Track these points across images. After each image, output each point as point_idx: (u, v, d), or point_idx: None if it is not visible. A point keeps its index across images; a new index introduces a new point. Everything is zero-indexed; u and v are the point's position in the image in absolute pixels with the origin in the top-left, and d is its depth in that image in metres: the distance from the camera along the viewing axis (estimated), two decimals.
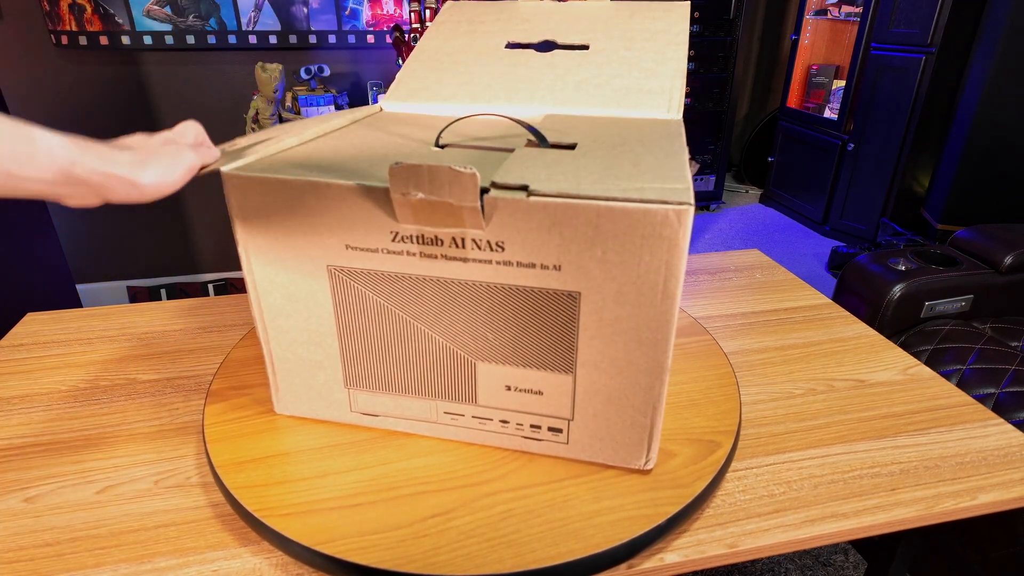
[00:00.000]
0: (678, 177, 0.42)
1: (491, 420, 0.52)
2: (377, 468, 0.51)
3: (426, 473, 0.51)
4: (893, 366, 0.70)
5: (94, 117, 2.01)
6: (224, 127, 2.12)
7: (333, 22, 2.08)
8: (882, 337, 0.75)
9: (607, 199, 0.40)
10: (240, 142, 0.51)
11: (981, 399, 1.01)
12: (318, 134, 0.55)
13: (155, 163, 0.40)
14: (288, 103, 1.94)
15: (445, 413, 0.53)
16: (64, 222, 2.10)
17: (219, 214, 2.22)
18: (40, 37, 1.90)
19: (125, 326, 0.78)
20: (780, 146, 2.96)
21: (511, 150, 0.51)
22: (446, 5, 0.74)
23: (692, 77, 2.79)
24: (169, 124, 2.07)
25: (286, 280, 0.49)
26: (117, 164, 0.38)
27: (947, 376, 1.07)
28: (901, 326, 1.23)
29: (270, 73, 1.74)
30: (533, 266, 0.44)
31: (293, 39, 2.07)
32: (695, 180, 2.89)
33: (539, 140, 0.50)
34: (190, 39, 1.98)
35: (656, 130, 0.53)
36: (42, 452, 0.57)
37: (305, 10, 2.04)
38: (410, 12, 1.79)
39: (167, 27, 1.95)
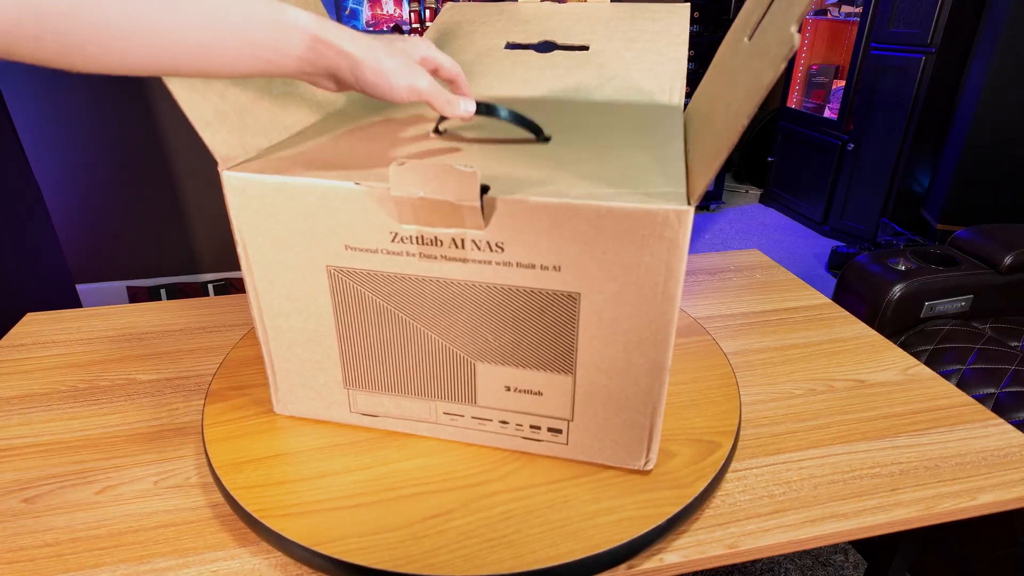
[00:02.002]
0: (673, 179, 0.42)
1: (491, 421, 0.52)
2: (377, 468, 0.51)
3: (425, 473, 0.51)
4: (893, 366, 0.70)
5: (94, 116, 2.01)
6: None
7: None
8: (882, 337, 0.75)
9: (608, 199, 0.40)
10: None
11: (981, 399, 1.01)
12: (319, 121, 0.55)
13: (396, 59, 0.40)
14: None
15: (445, 413, 0.53)
16: (64, 222, 2.10)
17: (219, 214, 2.22)
18: None
19: (125, 326, 0.78)
20: (780, 146, 2.96)
21: (514, 140, 0.51)
22: (446, 6, 0.74)
23: (692, 77, 2.79)
24: (170, 124, 2.07)
25: (286, 280, 0.49)
26: (360, 46, 0.38)
27: (947, 376, 1.07)
28: (901, 326, 1.23)
29: None
30: (533, 267, 0.44)
31: None
32: None
33: (536, 135, 0.50)
34: None
35: (655, 121, 0.53)
36: (42, 452, 0.57)
37: None
38: (410, 12, 1.79)
39: None
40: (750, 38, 0.43)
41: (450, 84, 0.49)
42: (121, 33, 0.31)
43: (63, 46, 0.30)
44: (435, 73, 0.47)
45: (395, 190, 0.42)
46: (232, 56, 0.35)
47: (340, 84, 0.40)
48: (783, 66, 0.32)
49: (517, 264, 0.44)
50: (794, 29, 0.31)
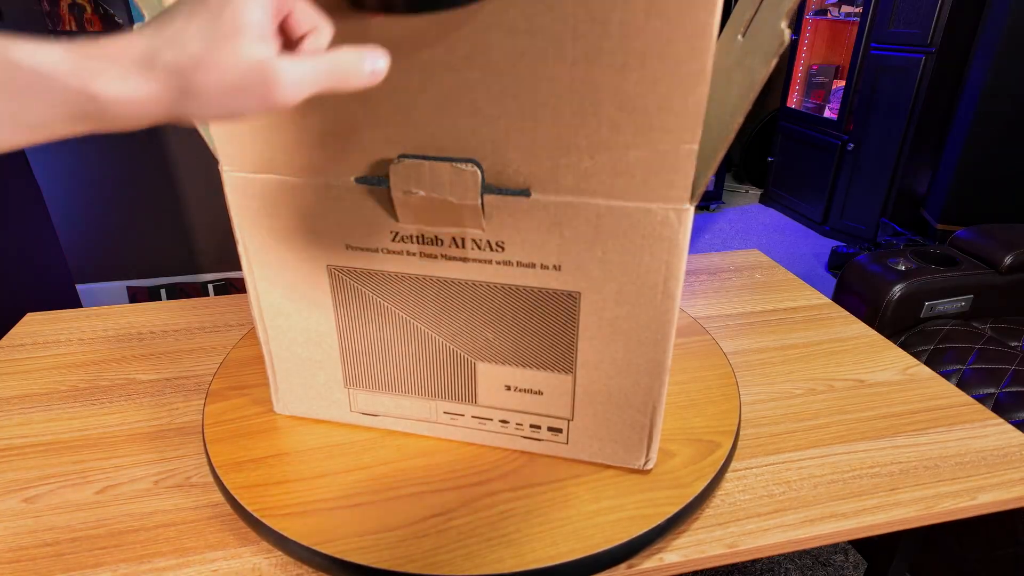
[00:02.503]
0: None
1: (491, 420, 0.52)
2: (377, 468, 0.51)
3: (426, 473, 0.51)
4: (893, 366, 0.70)
5: None
6: None
7: None
8: (882, 337, 0.75)
9: (607, 198, 0.40)
10: None
11: (981, 399, 1.01)
12: None
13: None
14: None
15: (445, 413, 0.53)
16: (64, 222, 2.10)
17: (219, 214, 2.22)
18: (40, 37, 1.90)
19: (125, 326, 0.78)
20: (780, 146, 2.96)
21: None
22: None
23: None
24: (169, 126, 2.07)
25: (286, 280, 0.49)
26: (177, 81, 0.23)
27: (947, 376, 1.07)
28: (901, 326, 1.22)
29: None
30: (533, 266, 0.44)
31: None
32: None
33: None
34: None
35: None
36: (42, 452, 0.57)
37: None
38: None
39: None
40: (743, 36, 0.43)
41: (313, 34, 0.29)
42: None
43: None
44: (287, 19, 0.28)
45: (395, 190, 0.42)
46: None
47: None
48: (775, 62, 0.32)
49: (517, 263, 0.44)
50: (784, 25, 0.31)
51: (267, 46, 0.24)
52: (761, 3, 0.40)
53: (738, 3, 0.49)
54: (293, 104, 0.25)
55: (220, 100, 0.23)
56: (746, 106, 0.34)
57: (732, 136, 0.35)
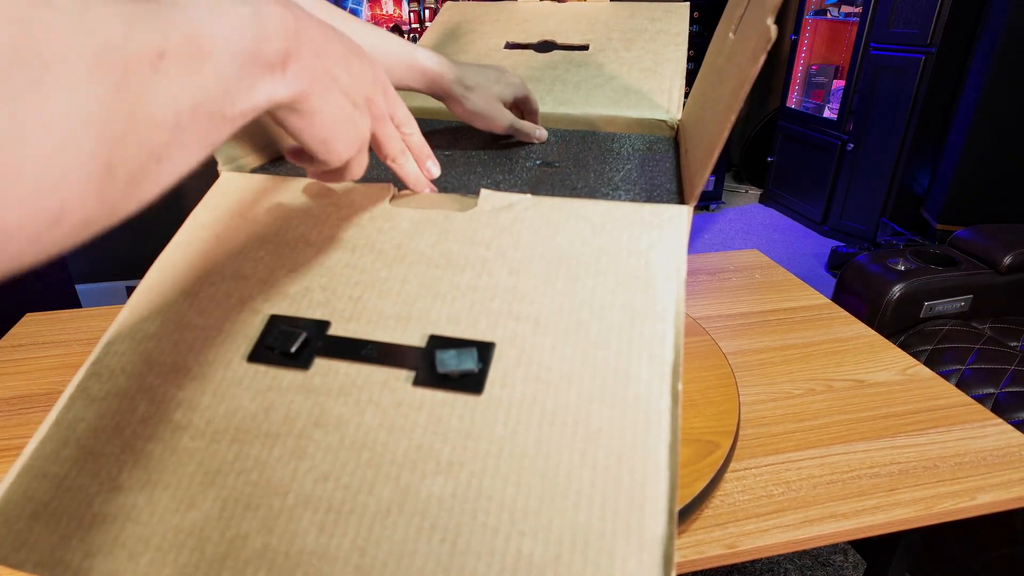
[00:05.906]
0: None
1: None
2: None
3: None
4: (892, 366, 0.70)
5: None
6: None
7: None
8: (881, 337, 0.75)
9: (607, 199, 0.40)
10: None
11: (980, 399, 1.01)
12: None
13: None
14: None
15: None
16: None
17: None
18: None
19: None
20: (780, 146, 2.96)
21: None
22: (445, 5, 0.74)
23: (692, 77, 2.79)
24: None
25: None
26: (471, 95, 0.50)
27: (946, 376, 1.07)
28: (901, 326, 1.23)
29: None
30: None
31: None
32: None
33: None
34: None
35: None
36: None
37: None
38: (409, 12, 1.79)
39: None
40: (734, 33, 0.43)
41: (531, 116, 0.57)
42: None
43: None
44: (523, 103, 0.55)
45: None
46: None
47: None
48: (763, 59, 0.31)
49: None
50: (770, 21, 0.31)
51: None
52: (750, 1, 0.40)
53: (730, 1, 0.49)
54: None
55: (466, 115, 0.52)
56: (738, 104, 0.34)
57: (727, 133, 0.35)
